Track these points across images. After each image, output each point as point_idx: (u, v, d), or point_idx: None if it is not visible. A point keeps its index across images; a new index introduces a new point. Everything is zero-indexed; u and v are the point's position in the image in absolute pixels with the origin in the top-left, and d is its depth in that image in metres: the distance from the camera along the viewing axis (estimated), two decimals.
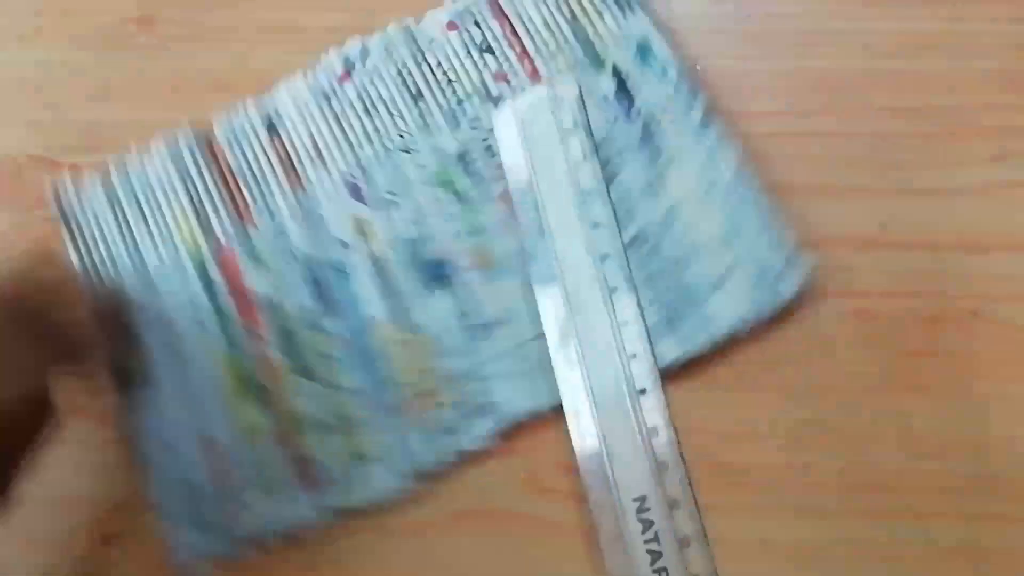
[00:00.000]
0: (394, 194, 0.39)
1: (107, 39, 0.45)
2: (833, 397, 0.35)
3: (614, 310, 0.35)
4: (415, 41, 0.41)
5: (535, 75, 0.39)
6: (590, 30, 0.38)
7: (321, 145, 0.41)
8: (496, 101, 0.39)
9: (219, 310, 0.39)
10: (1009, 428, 0.34)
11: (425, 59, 0.40)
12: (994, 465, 0.33)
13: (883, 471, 0.34)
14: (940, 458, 0.33)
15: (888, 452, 0.34)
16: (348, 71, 0.41)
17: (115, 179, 0.42)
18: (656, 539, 0.32)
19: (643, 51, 0.38)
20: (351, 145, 0.40)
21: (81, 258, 0.41)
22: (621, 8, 0.39)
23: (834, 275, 0.36)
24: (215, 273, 0.40)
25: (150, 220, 0.41)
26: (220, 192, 0.41)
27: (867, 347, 0.35)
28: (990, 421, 0.34)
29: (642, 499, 0.33)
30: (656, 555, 0.32)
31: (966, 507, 0.33)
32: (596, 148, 0.37)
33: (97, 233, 0.41)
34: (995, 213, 0.36)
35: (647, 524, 0.33)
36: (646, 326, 0.35)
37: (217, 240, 0.40)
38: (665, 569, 0.32)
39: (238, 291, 0.40)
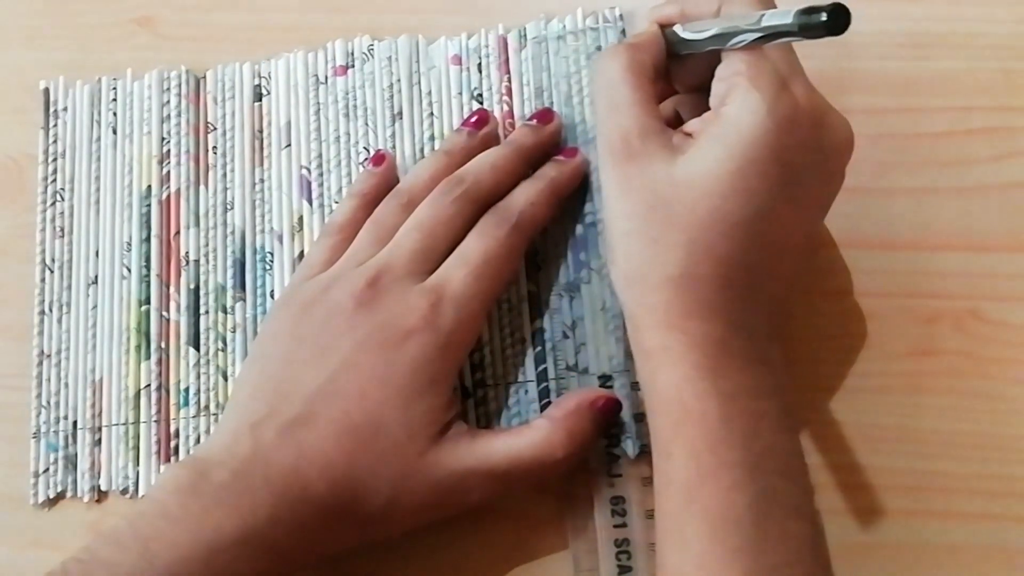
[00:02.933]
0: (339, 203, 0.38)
1: (107, 39, 0.45)
2: (834, 397, 0.35)
3: None
4: (418, 60, 0.41)
5: None
6: (577, 112, 0.37)
7: (293, 129, 0.41)
8: None
9: (147, 257, 0.40)
10: (1009, 428, 0.33)
11: (419, 82, 0.40)
12: (995, 464, 0.33)
13: (883, 470, 0.34)
14: (941, 457, 0.33)
15: (888, 452, 0.34)
16: (347, 66, 0.41)
17: (103, 92, 0.43)
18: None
19: None
20: (319, 141, 0.40)
21: (46, 162, 0.42)
22: None
23: (834, 275, 0.36)
24: (155, 219, 0.40)
25: (118, 144, 0.42)
26: (189, 139, 0.41)
27: (867, 347, 0.35)
28: (990, 421, 0.34)
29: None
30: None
31: (967, 506, 0.33)
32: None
33: (68, 140, 0.42)
34: (995, 213, 0.36)
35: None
36: None
37: (169, 186, 0.41)
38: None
39: (168, 244, 0.40)
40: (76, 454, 0.39)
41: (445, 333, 0.33)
